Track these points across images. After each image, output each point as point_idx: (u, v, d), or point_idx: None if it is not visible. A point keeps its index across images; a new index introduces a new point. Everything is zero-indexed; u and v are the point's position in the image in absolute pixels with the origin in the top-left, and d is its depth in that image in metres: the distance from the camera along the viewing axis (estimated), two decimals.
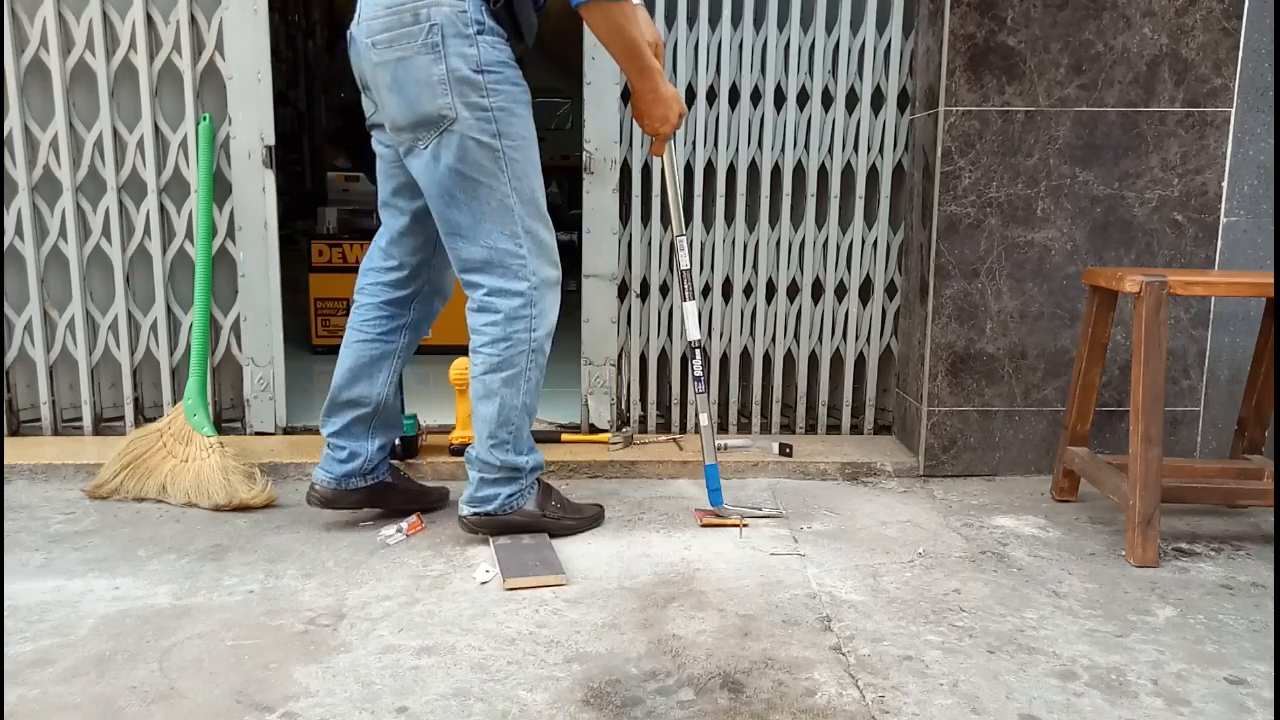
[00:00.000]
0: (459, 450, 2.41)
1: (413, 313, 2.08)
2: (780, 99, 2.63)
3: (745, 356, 2.76)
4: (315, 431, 2.53)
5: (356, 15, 1.83)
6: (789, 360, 2.77)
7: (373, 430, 2.07)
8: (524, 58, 1.87)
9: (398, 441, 2.37)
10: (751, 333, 2.74)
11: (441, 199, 1.83)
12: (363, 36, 1.81)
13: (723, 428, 2.79)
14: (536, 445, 2.00)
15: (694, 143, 2.63)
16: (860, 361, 2.77)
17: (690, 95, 2.61)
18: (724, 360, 2.76)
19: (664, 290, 2.70)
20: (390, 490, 2.12)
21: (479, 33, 1.74)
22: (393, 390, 2.08)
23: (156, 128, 2.54)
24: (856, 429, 2.80)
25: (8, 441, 2.54)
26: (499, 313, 1.86)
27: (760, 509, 2.20)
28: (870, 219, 2.69)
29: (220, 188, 2.55)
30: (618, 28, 1.80)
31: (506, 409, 1.89)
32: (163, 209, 2.58)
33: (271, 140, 2.53)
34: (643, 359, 2.74)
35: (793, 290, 2.72)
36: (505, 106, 1.79)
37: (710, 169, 2.65)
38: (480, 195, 1.81)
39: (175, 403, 2.46)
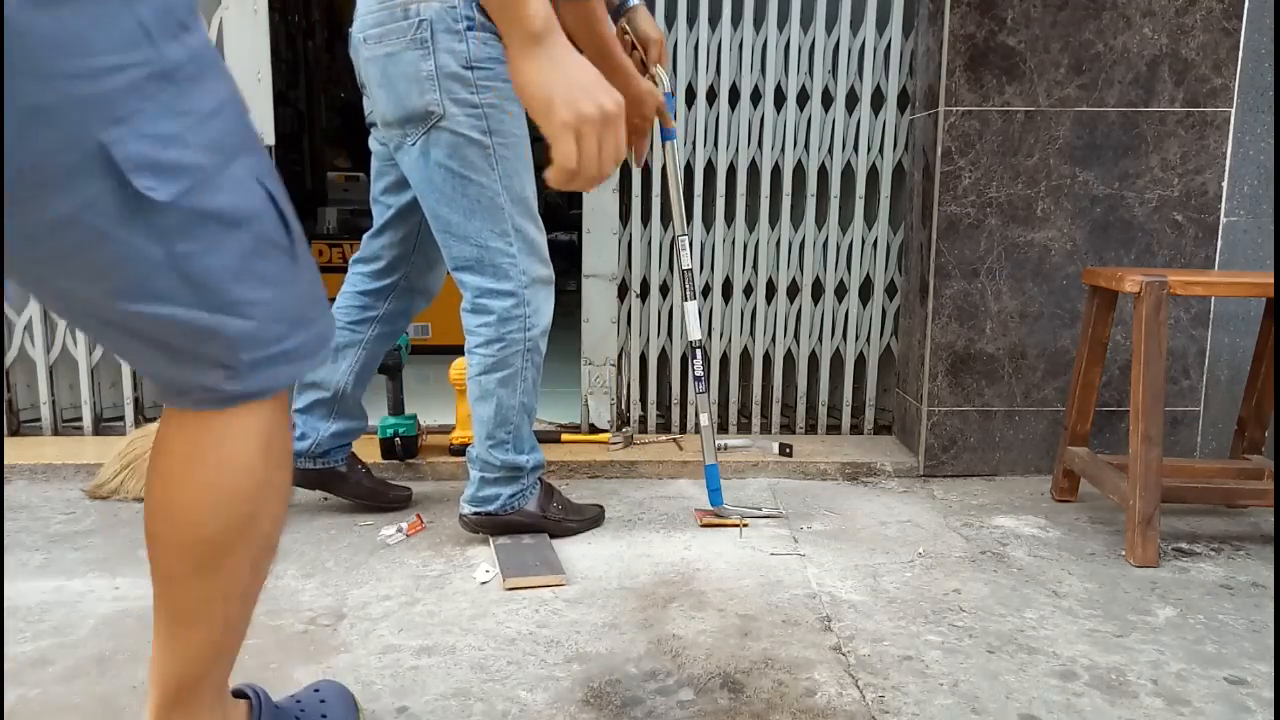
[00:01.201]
0: (459, 450, 2.42)
1: (388, 306, 2.08)
2: (780, 99, 2.63)
3: (745, 356, 2.76)
4: None
5: (355, 13, 1.84)
6: (789, 360, 2.77)
7: (332, 416, 2.08)
8: None
9: (398, 441, 2.37)
10: (751, 333, 2.74)
11: (432, 195, 1.83)
12: (357, 32, 1.82)
13: (723, 428, 2.79)
14: (538, 444, 2.01)
15: (694, 143, 2.63)
16: (860, 361, 2.77)
17: (690, 95, 2.61)
18: (724, 360, 2.76)
19: (664, 290, 2.70)
20: (340, 479, 2.12)
21: (469, 29, 1.74)
22: (354, 380, 2.08)
23: None
24: (856, 429, 2.80)
25: (8, 441, 2.54)
26: (492, 314, 1.86)
27: (760, 509, 2.20)
28: (870, 219, 2.69)
29: None
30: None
31: (504, 409, 1.89)
32: None
33: (271, 140, 2.53)
34: (643, 359, 2.74)
35: (793, 290, 2.72)
36: (496, 103, 1.78)
37: (710, 169, 2.65)
38: (470, 192, 1.81)
39: None
